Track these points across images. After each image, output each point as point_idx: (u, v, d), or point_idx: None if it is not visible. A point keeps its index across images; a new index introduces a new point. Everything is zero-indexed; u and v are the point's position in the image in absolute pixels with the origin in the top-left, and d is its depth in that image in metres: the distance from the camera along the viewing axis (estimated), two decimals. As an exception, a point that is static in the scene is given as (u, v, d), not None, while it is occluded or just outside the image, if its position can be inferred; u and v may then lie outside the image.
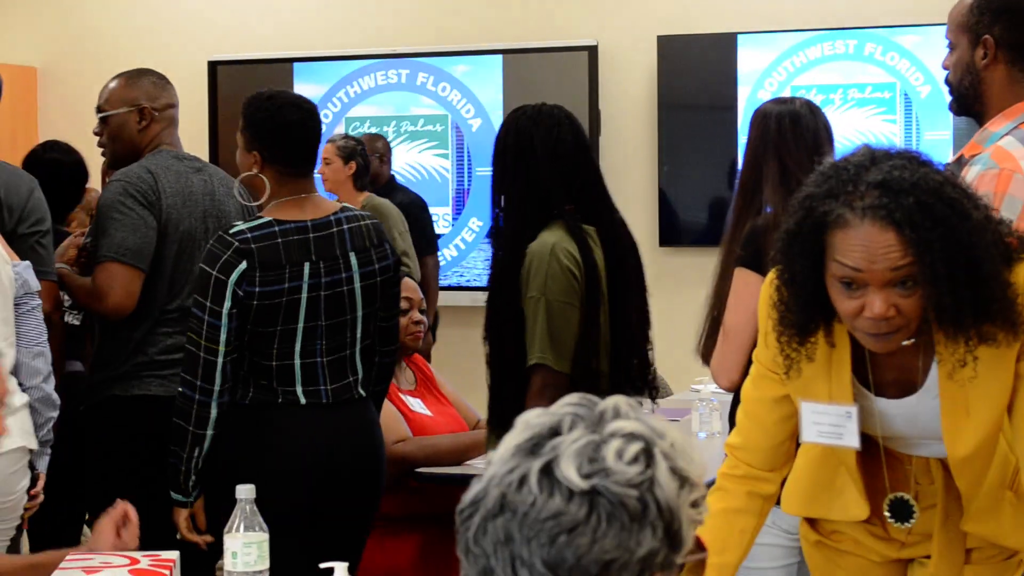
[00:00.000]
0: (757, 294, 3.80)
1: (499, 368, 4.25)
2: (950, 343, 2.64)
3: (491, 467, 1.69)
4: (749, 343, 3.91)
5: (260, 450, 4.18)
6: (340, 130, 9.09)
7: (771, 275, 2.77)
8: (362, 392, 4.36)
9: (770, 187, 4.11)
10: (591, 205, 4.30)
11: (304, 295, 4.18)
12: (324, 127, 8.91)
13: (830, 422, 2.80)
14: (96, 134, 4.94)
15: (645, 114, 8.75)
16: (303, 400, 4.21)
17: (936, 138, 7.86)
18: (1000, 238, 2.64)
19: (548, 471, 1.64)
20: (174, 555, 3.30)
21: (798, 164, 4.10)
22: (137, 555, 3.32)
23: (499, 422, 4.24)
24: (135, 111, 4.84)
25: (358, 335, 4.32)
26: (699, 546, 1.75)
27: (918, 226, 2.49)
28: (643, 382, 4.36)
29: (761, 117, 4.21)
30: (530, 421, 1.71)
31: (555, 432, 1.68)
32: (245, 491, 3.28)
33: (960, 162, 3.62)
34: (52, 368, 4.36)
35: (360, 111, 9.28)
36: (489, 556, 1.65)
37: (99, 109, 4.91)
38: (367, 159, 7.94)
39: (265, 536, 3.27)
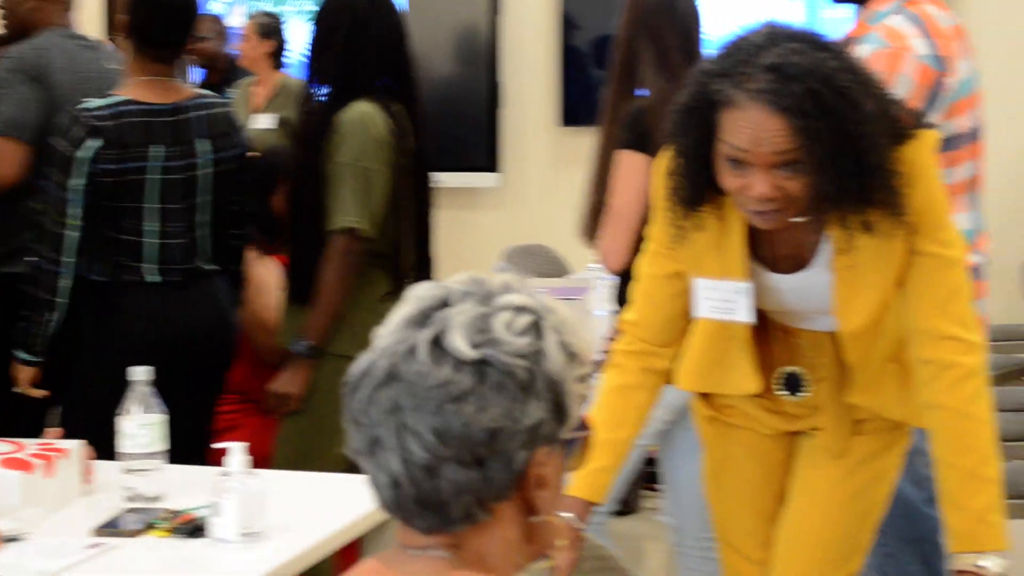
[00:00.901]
0: (643, 175, 3.86)
1: (298, 236, 4.32)
2: (836, 231, 2.66)
3: (380, 339, 1.70)
4: (637, 224, 3.95)
5: (109, 323, 4.24)
6: (241, 10, 8.98)
7: (666, 148, 2.77)
8: (213, 267, 4.44)
9: (647, 69, 4.12)
10: (402, 88, 4.38)
11: (151, 176, 4.22)
12: (224, 6, 8.92)
13: (723, 298, 2.82)
14: None
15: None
16: (151, 276, 4.26)
17: (837, 17, 7.86)
18: (893, 121, 2.66)
19: (437, 341, 1.66)
20: (71, 444, 3.30)
21: (673, 46, 4.10)
22: (30, 442, 3.32)
23: (297, 292, 4.31)
24: None
25: (206, 219, 4.38)
26: (583, 425, 1.76)
27: (806, 114, 2.50)
28: (427, 272, 4.48)
29: None
30: (420, 293, 1.72)
31: (445, 304, 1.69)
32: (141, 373, 3.27)
33: (847, 43, 3.63)
34: None
35: (258, -12, 9.15)
36: (377, 425, 1.67)
37: None
38: (283, 37, 7.89)
39: (161, 416, 3.26)
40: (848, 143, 2.53)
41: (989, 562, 2.62)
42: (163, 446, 3.27)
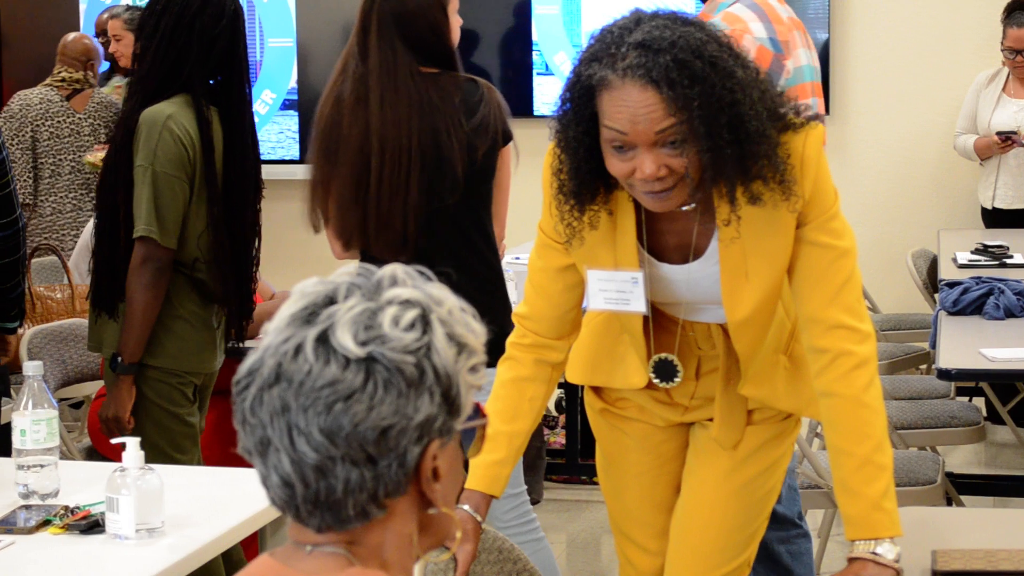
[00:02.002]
0: (311, 163, 4.10)
1: (105, 239, 4.24)
2: (721, 202, 2.68)
3: (267, 337, 1.68)
4: (317, 208, 4.16)
5: None
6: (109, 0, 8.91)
7: (552, 144, 2.78)
8: None
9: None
10: (224, 89, 4.29)
11: None
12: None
13: (616, 288, 2.83)
14: None
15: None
16: None
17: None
18: (772, 101, 2.68)
19: (324, 339, 1.64)
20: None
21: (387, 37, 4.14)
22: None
23: (99, 297, 4.24)
24: None
25: None
26: (479, 413, 1.76)
27: (676, 84, 2.52)
28: (247, 279, 4.40)
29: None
30: (305, 290, 1.70)
31: (331, 300, 1.68)
32: (33, 368, 3.23)
33: None
34: None
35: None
36: (266, 426, 1.65)
37: None
38: None
39: (54, 413, 3.23)
40: (723, 110, 2.55)
41: (884, 548, 2.65)
42: (56, 442, 3.24)
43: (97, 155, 7.35)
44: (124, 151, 4.17)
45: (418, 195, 4.00)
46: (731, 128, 2.56)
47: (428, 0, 4.12)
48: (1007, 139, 7.31)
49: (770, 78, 2.75)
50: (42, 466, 3.21)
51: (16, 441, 3.21)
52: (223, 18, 4.23)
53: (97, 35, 8.20)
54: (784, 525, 4.19)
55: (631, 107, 2.55)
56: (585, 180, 2.70)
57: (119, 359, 4.18)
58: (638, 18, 2.61)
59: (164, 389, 4.22)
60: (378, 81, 4.05)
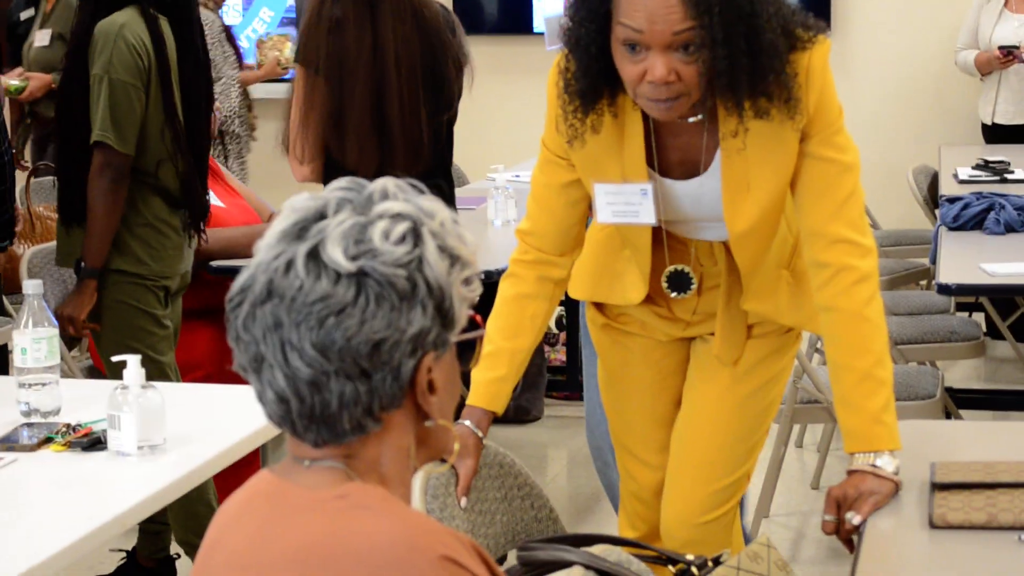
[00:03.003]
0: (307, 89, 4.19)
1: (66, 148, 4.28)
2: (727, 115, 2.67)
3: (258, 254, 1.68)
4: (312, 137, 4.25)
5: None
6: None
7: (558, 56, 2.77)
8: None
9: None
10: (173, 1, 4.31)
11: None
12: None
13: (624, 201, 2.83)
14: None
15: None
16: None
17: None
18: (788, 22, 2.67)
19: (314, 255, 1.64)
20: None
21: None
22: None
23: (69, 208, 4.28)
24: None
25: None
26: (475, 325, 1.76)
27: None
28: (204, 183, 4.44)
29: None
30: (296, 205, 1.70)
31: (321, 215, 1.67)
32: (32, 287, 3.24)
33: None
34: None
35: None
36: (259, 342, 1.66)
37: None
38: None
39: (55, 331, 3.24)
40: (741, 20, 2.55)
41: (883, 461, 2.67)
42: (57, 360, 3.24)
43: (9, 81, 7.19)
44: (79, 63, 4.20)
45: (425, 113, 4.05)
46: (747, 38, 2.56)
47: None
48: (1008, 54, 7.28)
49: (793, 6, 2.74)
50: (43, 384, 3.23)
51: (17, 359, 3.22)
52: None
53: None
54: None
55: (651, 7, 2.54)
56: (594, 81, 2.69)
57: (82, 264, 4.24)
58: None
59: (138, 292, 4.30)
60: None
